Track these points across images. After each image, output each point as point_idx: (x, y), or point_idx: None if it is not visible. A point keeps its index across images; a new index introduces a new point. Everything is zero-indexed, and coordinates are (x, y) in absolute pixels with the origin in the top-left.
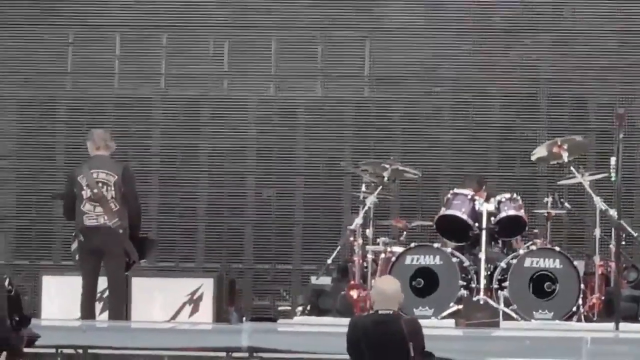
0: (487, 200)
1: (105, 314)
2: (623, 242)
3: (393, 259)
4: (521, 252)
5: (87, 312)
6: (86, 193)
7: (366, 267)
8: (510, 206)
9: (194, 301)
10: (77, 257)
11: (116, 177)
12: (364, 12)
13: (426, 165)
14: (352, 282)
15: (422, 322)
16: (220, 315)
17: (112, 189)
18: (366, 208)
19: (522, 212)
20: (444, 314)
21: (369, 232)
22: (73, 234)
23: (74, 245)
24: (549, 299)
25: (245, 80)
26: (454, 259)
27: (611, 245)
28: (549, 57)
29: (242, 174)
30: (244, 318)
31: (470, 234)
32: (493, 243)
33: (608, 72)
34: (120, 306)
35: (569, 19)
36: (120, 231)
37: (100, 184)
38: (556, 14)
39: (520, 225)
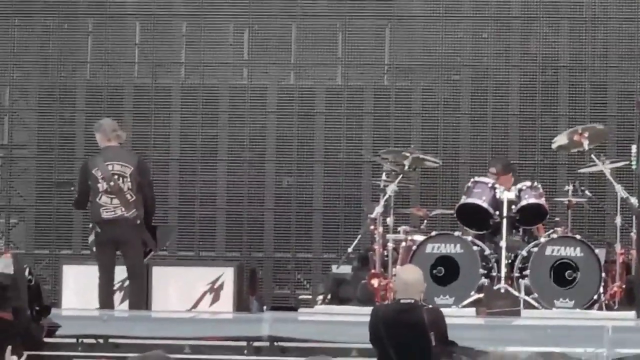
0: (513, 185)
1: (125, 304)
2: None
3: (414, 247)
4: (542, 240)
5: (106, 302)
6: (102, 186)
7: (387, 256)
8: (531, 194)
9: (215, 290)
10: (94, 248)
11: (132, 168)
12: (383, 0)
13: (446, 154)
14: (373, 271)
15: (443, 310)
16: (240, 304)
17: (128, 180)
18: (387, 196)
19: (542, 200)
20: (465, 302)
21: (389, 220)
22: (90, 226)
23: (92, 237)
24: (570, 288)
25: (265, 68)
26: (475, 248)
27: (632, 234)
28: (568, 44)
29: (261, 163)
30: (265, 307)
31: (491, 222)
32: (514, 231)
33: (628, 60)
34: (140, 295)
35: (588, 5)
36: (138, 222)
37: (116, 176)
38: (575, 1)
39: (541, 213)
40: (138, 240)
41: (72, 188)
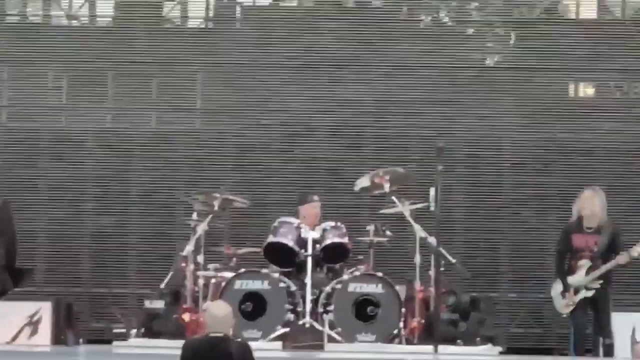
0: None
1: None
2: (442, 268)
3: (223, 283)
4: (345, 277)
5: None
6: None
7: (197, 292)
8: (334, 234)
9: (33, 324)
10: None
11: None
12: (195, 47)
13: (256, 194)
14: (184, 306)
15: (251, 344)
16: (58, 338)
17: None
18: (197, 235)
19: (346, 240)
20: (272, 336)
21: (200, 258)
22: None
23: None
24: (371, 322)
25: (83, 113)
26: (282, 284)
27: (430, 272)
28: (373, 90)
29: (80, 202)
30: (81, 340)
31: (297, 260)
32: (319, 269)
33: (429, 106)
34: None
35: (392, 54)
36: None
37: None
38: (380, 51)
39: (344, 251)
40: None
41: None
